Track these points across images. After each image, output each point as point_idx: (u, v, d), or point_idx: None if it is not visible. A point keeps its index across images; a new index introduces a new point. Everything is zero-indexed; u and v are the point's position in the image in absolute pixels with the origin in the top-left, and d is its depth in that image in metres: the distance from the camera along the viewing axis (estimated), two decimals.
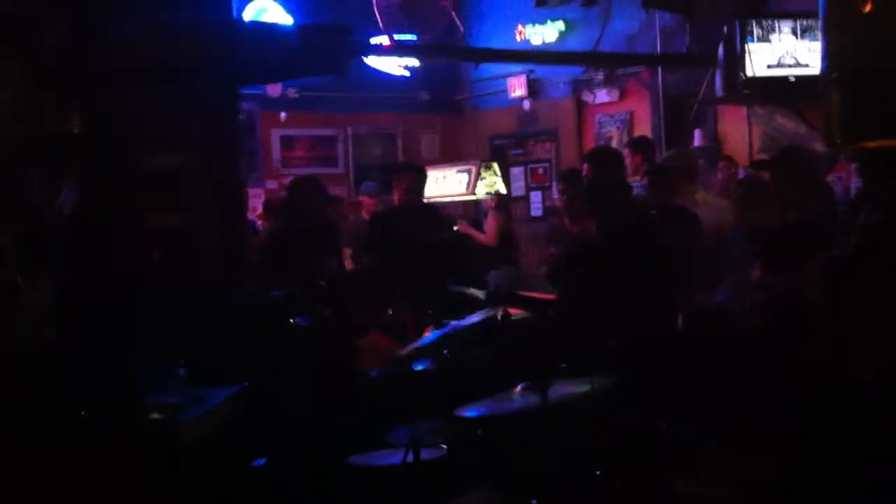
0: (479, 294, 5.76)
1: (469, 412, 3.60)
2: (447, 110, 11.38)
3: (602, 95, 9.59)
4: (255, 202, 9.09)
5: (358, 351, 5.90)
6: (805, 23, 7.28)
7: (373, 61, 9.29)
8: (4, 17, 3.72)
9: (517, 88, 10.40)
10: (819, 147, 6.79)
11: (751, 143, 8.22)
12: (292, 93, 10.18)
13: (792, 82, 7.27)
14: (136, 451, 3.32)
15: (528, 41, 10.17)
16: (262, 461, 4.10)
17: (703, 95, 8.34)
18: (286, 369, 4.69)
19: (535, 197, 10.59)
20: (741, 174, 7.58)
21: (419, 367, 4.89)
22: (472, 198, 9.32)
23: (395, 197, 6.89)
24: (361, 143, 10.98)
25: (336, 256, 6.35)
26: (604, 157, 6.09)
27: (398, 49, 8.51)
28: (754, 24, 7.28)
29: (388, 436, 4.14)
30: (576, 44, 9.70)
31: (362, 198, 9.07)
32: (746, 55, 7.23)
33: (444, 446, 3.95)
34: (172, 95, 4.47)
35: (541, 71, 10.22)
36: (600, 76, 9.59)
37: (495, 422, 3.73)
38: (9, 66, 3.68)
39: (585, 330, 4.35)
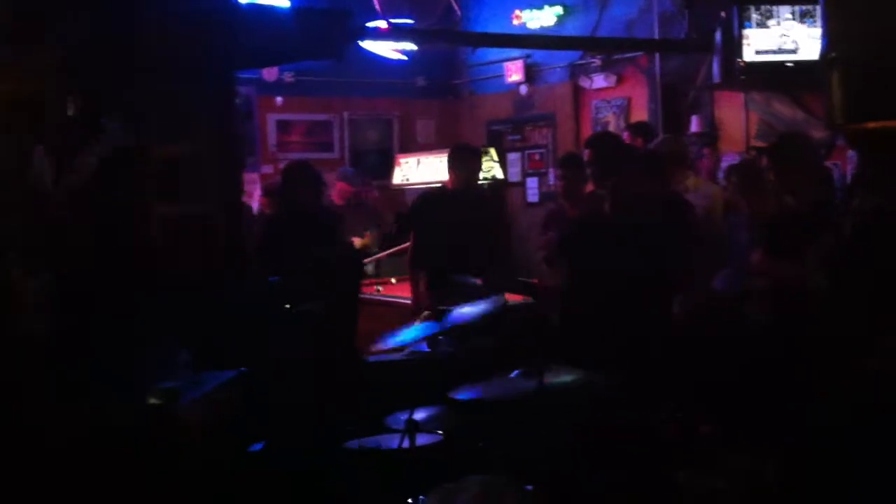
0: (476, 281, 5.75)
1: (462, 395, 3.60)
2: (444, 95, 11.35)
3: (599, 81, 9.55)
4: (251, 187, 9.07)
5: (355, 335, 5.91)
6: (804, 8, 7.25)
7: (369, 46, 9.24)
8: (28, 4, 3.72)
9: (514, 73, 10.36)
10: (817, 133, 6.79)
11: (748, 130, 8.20)
12: (288, 77, 10.15)
13: (790, 68, 7.25)
14: (134, 435, 3.33)
15: (525, 26, 10.13)
16: (259, 446, 4.11)
17: (701, 81, 8.32)
18: (284, 354, 4.69)
19: (532, 183, 10.56)
20: (733, 159, 7.58)
21: (417, 353, 4.89)
22: None
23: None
24: (358, 128, 10.95)
25: (334, 241, 6.33)
26: (605, 142, 6.08)
27: (395, 33, 8.46)
28: (752, 10, 7.25)
29: (385, 421, 4.15)
30: (573, 29, 9.67)
31: (339, 183, 8.96)
32: (744, 41, 7.21)
33: (441, 432, 3.96)
34: (171, 82, 4.45)
35: (538, 56, 10.18)
36: (598, 61, 9.55)
37: (490, 406, 3.73)
38: (29, 53, 3.68)
39: (590, 313, 4.35)
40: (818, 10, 6.93)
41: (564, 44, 9.22)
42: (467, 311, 4.01)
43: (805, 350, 3.68)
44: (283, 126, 10.48)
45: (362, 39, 8.36)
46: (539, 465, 3.56)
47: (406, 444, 3.63)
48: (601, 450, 3.63)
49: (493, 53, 10.38)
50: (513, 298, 6.00)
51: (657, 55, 8.90)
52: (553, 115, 10.14)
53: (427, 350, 4.83)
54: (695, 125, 8.41)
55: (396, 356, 4.98)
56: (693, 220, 5.19)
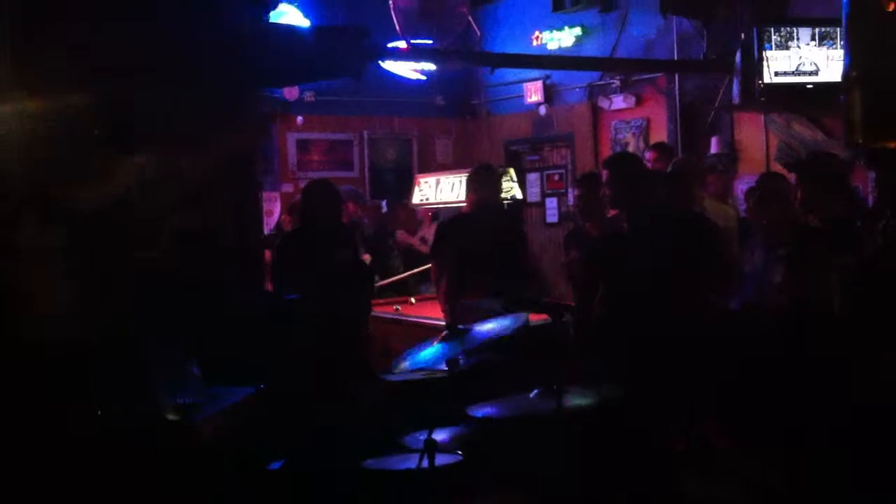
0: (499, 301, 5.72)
1: (479, 412, 3.59)
2: (463, 115, 11.38)
3: (618, 101, 9.56)
4: (271, 205, 9.10)
5: (368, 349, 5.90)
6: (824, 30, 7.25)
7: (389, 65, 9.29)
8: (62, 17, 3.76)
9: (533, 94, 10.39)
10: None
11: (768, 151, 8.18)
12: (308, 96, 10.21)
13: (810, 89, 7.23)
14: (151, 451, 3.32)
15: (544, 46, 10.16)
16: (277, 465, 4.09)
17: (720, 102, 8.31)
18: (301, 370, 4.68)
19: (551, 203, 10.56)
20: (750, 182, 7.54)
21: (436, 372, 4.87)
22: None
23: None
24: (376, 147, 11.00)
25: (352, 253, 6.33)
26: (623, 162, 6.06)
27: (415, 53, 8.49)
28: (772, 32, 7.25)
29: (403, 440, 4.13)
30: (592, 49, 9.68)
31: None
32: (764, 62, 7.20)
33: (460, 452, 3.94)
34: (192, 96, 4.48)
35: (557, 76, 10.20)
36: (616, 82, 9.56)
37: (509, 424, 3.71)
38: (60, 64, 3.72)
39: (612, 328, 4.33)
40: (838, 32, 6.95)
41: (584, 64, 9.23)
42: (487, 328, 3.99)
43: (820, 363, 3.65)
44: (303, 145, 10.54)
45: (382, 59, 8.40)
46: (557, 484, 3.54)
47: (425, 463, 3.61)
48: (615, 463, 3.61)
49: (512, 74, 10.41)
50: (535, 318, 5.97)
51: (676, 76, 8.90)
52: (572, 135, 10.14)
53: (446, 369, 4.81)
54: (714, 146, 8.40)
55: (415, 375, 4.96)
56: (717, 237, 5.17)
